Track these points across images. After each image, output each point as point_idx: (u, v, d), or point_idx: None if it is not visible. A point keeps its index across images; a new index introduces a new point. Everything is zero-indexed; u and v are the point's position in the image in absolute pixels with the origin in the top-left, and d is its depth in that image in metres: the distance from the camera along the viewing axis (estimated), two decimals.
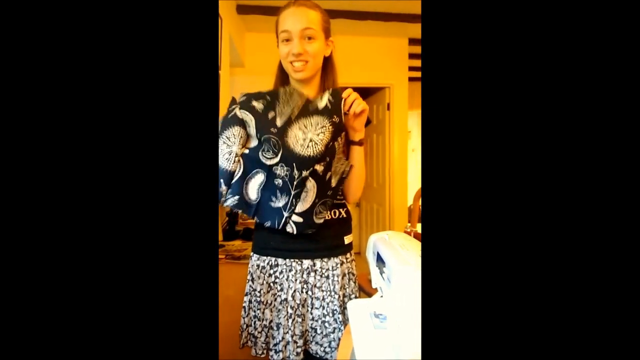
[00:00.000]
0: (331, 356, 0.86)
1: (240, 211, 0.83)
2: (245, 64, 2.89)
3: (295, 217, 0.80)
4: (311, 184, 0.80)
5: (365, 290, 1.71)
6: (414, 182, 3.70)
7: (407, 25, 2.76)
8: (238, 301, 0.92)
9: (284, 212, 0.80)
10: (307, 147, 0.78)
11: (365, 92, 3.60)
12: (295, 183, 0.78)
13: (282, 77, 0.89)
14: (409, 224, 1.90)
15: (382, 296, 0.63)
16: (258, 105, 0.81)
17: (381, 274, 0.54)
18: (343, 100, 0.80)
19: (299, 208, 0.80)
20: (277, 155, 0.79)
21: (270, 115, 0.80)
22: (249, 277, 0.91)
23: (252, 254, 0.92)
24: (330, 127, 0.79)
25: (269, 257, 0.88)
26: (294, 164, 0.78)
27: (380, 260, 0.55)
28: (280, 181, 0.79)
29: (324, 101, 0.80)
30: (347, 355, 0.63)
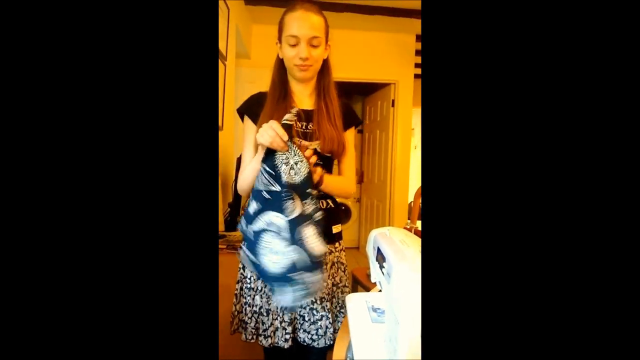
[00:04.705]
0: (318, 343, 0.88)
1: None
2: (251, 55, 2.88)
3: None
4: None
5: (364, 285, 1.72)
6: (415, 179, 3.71)
7: (414, 21, 2.74)
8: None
9: None
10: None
11: (370, 88, 3.59)
12: None
13: (281, 73, 0.92)
14: (409, 221, 1.91)
15: (380, 290, 0.64)
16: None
17: (381, 269, 0.54)
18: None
19: None
20: None
21: None
22: (240, 264, 0.94)
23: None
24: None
25: None
26: None
27: (380, 255, 0.56)
28: None
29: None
30: (344, 348, 0.64)
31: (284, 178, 0.74)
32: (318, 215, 0.77)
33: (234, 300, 0.93)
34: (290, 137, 0.75)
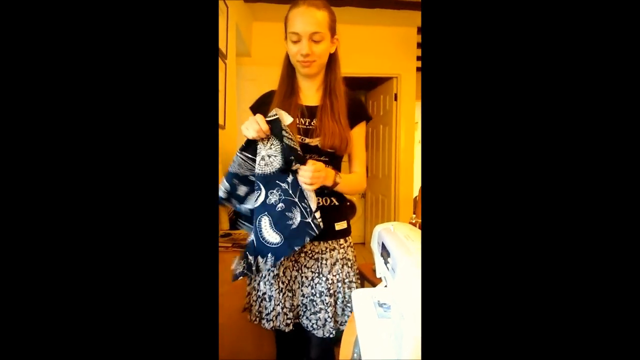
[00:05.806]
0: (317, 333, 0.92)
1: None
2: (252, 53, 2.87)
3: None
4: None
5: (370, 280, 1.72)
6: (419, 173, 3.68)
7: (415, 13, 2.71)
8: (245, 288, 0.99)
9: None
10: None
11: (372, 82, 3.57)
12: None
13: (289, 69, 0.94)
14: (414, 215, 1.90)
15: (386, 286, 0.64)
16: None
17: (386, 264, 0.54)
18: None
19: None
20: None
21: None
22: None
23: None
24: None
25: None
26: None
27: (385, 250, 0.56)
28: None
29: None
30: (351, 343, 0.65)
31: (256, 168, 0.82)
32: (280, 206, 0.83)
33: (247, 281, 0.98)
34: (278, 132, 0.79)
